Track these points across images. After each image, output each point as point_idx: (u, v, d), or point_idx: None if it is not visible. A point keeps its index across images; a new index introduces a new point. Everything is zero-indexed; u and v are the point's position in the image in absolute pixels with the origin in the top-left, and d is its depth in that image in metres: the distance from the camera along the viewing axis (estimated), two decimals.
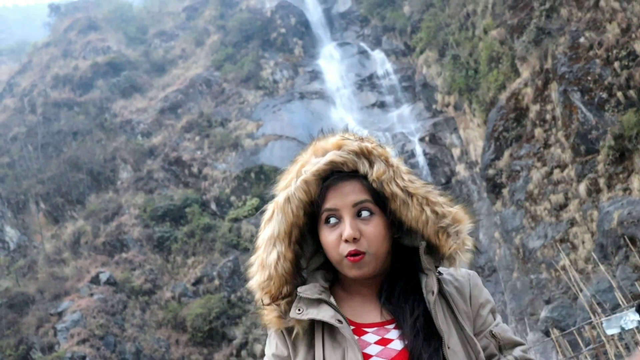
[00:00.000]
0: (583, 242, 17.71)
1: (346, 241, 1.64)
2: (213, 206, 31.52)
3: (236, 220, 29.92)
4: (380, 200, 1.69)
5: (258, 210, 29.34)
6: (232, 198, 31.24)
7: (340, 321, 1.61)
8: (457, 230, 1.69)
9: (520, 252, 20.19)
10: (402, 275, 1.72)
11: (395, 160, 1.74)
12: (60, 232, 30.87)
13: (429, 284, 1.67)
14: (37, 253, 29.81)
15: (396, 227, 1.72)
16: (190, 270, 28.21)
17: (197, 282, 27.55)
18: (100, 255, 28.69)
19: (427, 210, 1.68)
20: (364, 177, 1.70)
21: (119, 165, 34.25)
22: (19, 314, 25.82)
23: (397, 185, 1.68)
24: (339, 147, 1.72)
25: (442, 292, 1.70)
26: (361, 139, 1.75)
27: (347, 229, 1.64)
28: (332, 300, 1.66)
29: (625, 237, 14.35)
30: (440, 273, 1.73)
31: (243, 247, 28.27)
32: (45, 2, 59.03)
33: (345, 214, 1.66)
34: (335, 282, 1.76)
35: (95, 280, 26.55)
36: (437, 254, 1.72)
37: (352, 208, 1.67)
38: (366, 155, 1.71)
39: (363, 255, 1.64)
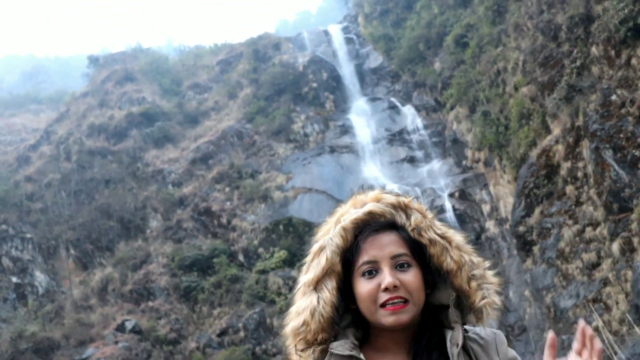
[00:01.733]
0: (617, 303, 17.26)
1: (386, 289, 1.67)
2: (241, 257, 31.53)
3: (263, 272, 29.83)
4: (416, 252, 1.74)
5: (286, 262, 29.36)
6: (260, 250, 31.23)
7: None
8: (487, 285, 1.74)
9: (551, 311, 19.73)
10: (428, 331, 1.74)
11: (430, 214, 1.82)
12: (89, 279, 31.08)
13: (455, 337, 1.69)
14: (65, 299, 29.98)
15: (428, 283, 1.76)
16: (215, 321, 28.06)
17: (222, 333, 27.35)
18: (126, 303, 28.74)
19: (465, 255, 1.73)
20: (400, 229, 1.76)
21: (149, 214, 34.60)
22: (44, 359, 25.82)
23: (435, 232, 1.75)
24: (378, 200, 1.81)
25: (465, 348, 1.70)
26: (398, 195, 1.84)
27: (387, 277, 1.68)
28: (362, 357, 1.68)
29: None
30: (466, 330, 1.73)
31: (269, 299, 28.10)
32: (85, 54, 60.91)
33: (384, 265, 1.71)
34: (364, 342, 1.77)
35: (120, 327, 26.54)
36: (465, 308, 1.72)
37: (390, 259, 1.71)
38: (403, 208, 1.80)
39: (406, 303, 1.68)
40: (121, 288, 29.67)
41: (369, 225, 1.76)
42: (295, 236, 29.87)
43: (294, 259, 28.21)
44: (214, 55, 52.57)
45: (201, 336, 27.30)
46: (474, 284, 1.72)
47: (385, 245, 1.72)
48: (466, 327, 1.75)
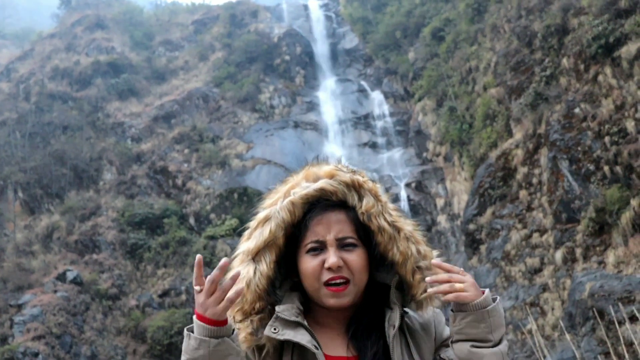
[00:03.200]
0: (552, 309, 17.76)
1: (329, 269, 1.66)
2: (191, 221, 31.34)
3: (212, 238, 29.74)
4: (363, 233, 1.72)
5: (235, 231, 29.29)
6: (212, 215, 31.09)
7: (316, 347, 1.63)
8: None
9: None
10: (369, 311, 1.75)
11: (384, 197, 1.79)
12: (34, 224, 30.51)
13: (392, 318, 1.70)
14: (7, 242, 29.39)
15: (374, 262, 1.75)
16: (158, 282, 27.92)
17: (164, 294, 27.24)
18: (70, 253, 28.34)
19: (412, 246, 1.72)
20: (350, 209, 1.73)
21: (104, 166, 34.06)
22: None
23: (385, 219, 1.73)
24: (332, 176, 1.76)
25: (403, 329, 1.71)
26: (353, 172, 1.79)
27: (331, 257, 1.68)
28: (306, 324, 1.67)
29: (595, 309, 14.41)
30: (405, 312, 1.74)
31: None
32: None
33: (330, 244, 1.70)
34: (306, 312, 1.76)
35: (61, 277, 26.18)
36: (407, 294, 1.73)
37: (336, 239, 1.70)
38: (357, 188, 1.76)
39: (347, 285, 1.68)
40: (67, 237, 29.22)
41: (319, 202, 1.73)
42: (248, 206, 29.79)
43: (245, 229, 28.15)
44: (189, 14, 51.65)
45: (142, 295, 27.14)
46: (418, 276, 1.71)
47: (333, 224, 1.70)
48: (406, 308, 1.76)
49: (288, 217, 1.73)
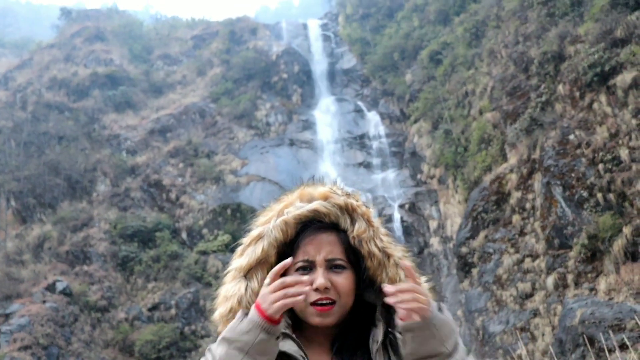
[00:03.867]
0: (543, 335, 17.74)
1: (316, 290, 1.68)
2: (184, 235, 31.26)
3: (204, 253, 29.65)
4: (353, 256, 1.75)
5: (228, 247, 29.19)
6: (204, 231, 31.03)
7: (303, 357, 1.66)
8: None
9: (480, 334, 20.15)
10: (356, 329, 1.76)
11: (376, 221, 1.80)
12: (26, 233, 30.36)
13: (376, 334, 1.72)
14: None
15: (360, 284, 1.77)
16: (148, 295, 27.76)
17: (154, 307, 27.08)
18: (61, 264, 28.18)
19: (401, 273, 1.74)
20: (341, 231, 1.76)
21: (98, 177, 34.01)
22: None
23: (376, 245, 1.75)
24: (326, 198, 1.78)
25: (386, 346, 1.72)
26: (347, 195, 1.81)
27: (319, 278, 1.69)
28: (294, 336, 1.70)
29: (585, 336, 14.40)
30: (391, 331, 1.76)
31: (206, 281, 27.94)
32: (58, 4, 59.39)
33: (319, 265, 1.72)
34: (295, 326, 1.78)
35: (51, 287, 26.01)
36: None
37: (326, 260, 1.72)
38: (349, 211, 1.78)
39: (333, 305, 1.69)
40: (58, 248, 29.07)
41: (312, 223, 1.76)
42: (241, 222, 29.75)
43: (237, 245, 28.08)
44: (189, 29, 51.92)
45: (132, 308, 26.97)
46: None
47: (324, 246, 1.72)
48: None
49: (280, 236, 1.75)
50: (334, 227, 1.76)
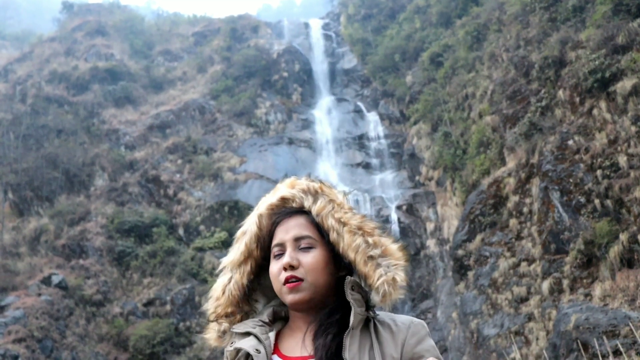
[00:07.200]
0: (537, 339, 17.77)
1: (284, 269, 1.76)
2: (180, 231, 31.25)
3: (201, 249, 29.65)
4: (323, 235, 1.82)
5: (224, 244, 29.18)
6: (201, 227, 31.02)
7: (258, 351, 1.74)
8: (388, 263, 1.75)
9: (474, 337, 20.18)
10: (338, 312, 1.78)
11: (341, 198, 1.87)
12: (23, 226, 30.33)
13: (350, 316, 1.74)
14: None
15: (342, 265, 1.82)
16: (144, 290, 27.76)
17: (149, 303, 27.08)
18: (57, 257, 28.17)
19: (358, 238, 1.77)
20: (309, 213, 1.84)
21: (96, 171, 33.98)
22: None
23: (333, 217, 1.81)
24: (292, 187, 1.90)
25: (369, 329, 1.74)
26: (313, 180, 1.91)
27: (286, 257, 1.79)
28: (257, 332, 1.78)
29: (579, 341, 14.43)
30: (375, 314, 1.77)
31: (202, 277, 27.94)
32: None
33: (289, 247, 1.81)
34: (286, 320, 1.88)
35: (46, 280, 25.99)
36: (365, 285, 1.77)
37: (294, 241, 1.81)
38: (312, 192, 1.87)
39: (300, 282, 1.75)
40: (54, 241, 29.05)
41: (284, 210, 1.85)
42: (238, 220, 29.63)
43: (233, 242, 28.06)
44: (190, 26, 51.90)
45: (127, 303, 26.97)
46: (371, 265, 1.74)
47: (291, 228, 1.81)
48: (383, 312, 1.80)
49: (257, 230, 1.86)
50: (302, 211, 1.85)
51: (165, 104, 39.32)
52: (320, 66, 43.30)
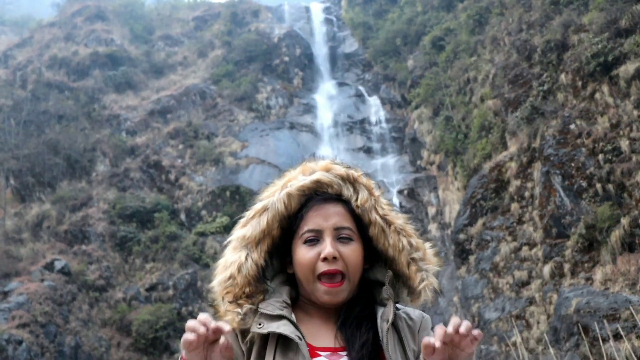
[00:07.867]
0: (538, 323, 17.84)
1: (324, 260, 1.68)
2: (182, 216, 31.30)
3: (202, 234, 29.71)
4: (360, 227, 1.76)
5: (226, 229, 29.23)
6: (203, 212, 31.07)
7: (300, 338, 1.65)
8: (427, 267, 1.75)
9: (475, 320, 20.25)
10: (359, 304, 1.76)
11: (377, 192, 1.84)
12: (25, 212, 30.38)
13: (386, 313, 1.72)
14: None
15: (368, 258, 1.78)
16: (146, 275, 27.85)
17: (151, 288, 27.18)
18: (59, 243, 28.24)
19: (404, 239, 1.75)
20: (346, 202, 1.77)
21: (97, 157, 33.98)
22: None
23: (377, 213, 1.77)
24: (328, 170, 1.81)
25: (395, 326, 1.73)
26: (348, 167, 1.85)
27: (327, 247, 1.70)
28: (292, 317, 1.69)
29: (580, 325, 14.49)
30: (397, 308, 1.77)
31: (204, 262, 28.02)
32: None
33: (327, 235, 1.73)
34: (296, 300, 1.79)
35: (49, 266, 26.09)
36: (400, 287, 1.76)
37: (334, 230, 1.73)
38: (352, 181, 1.81)
39: (342, 281, 1.70)
40: (56, 227, 29.11)
41: (317, 194, 1.77)
42: (240, 204, 29.77)
43: (236, 224, 28.13)
44: (191, 10, 51.62)
45: (129, 288, 27.07)
46: (413, 267, 1.75)
47: (331, 216, 1.73)
48: (397, 305, 1.78)
49: (283, 209, 1.76)
50: (338, 198, 1.78)
51: (166, 89, 39.22)
52: (321, 50, 43.13)
